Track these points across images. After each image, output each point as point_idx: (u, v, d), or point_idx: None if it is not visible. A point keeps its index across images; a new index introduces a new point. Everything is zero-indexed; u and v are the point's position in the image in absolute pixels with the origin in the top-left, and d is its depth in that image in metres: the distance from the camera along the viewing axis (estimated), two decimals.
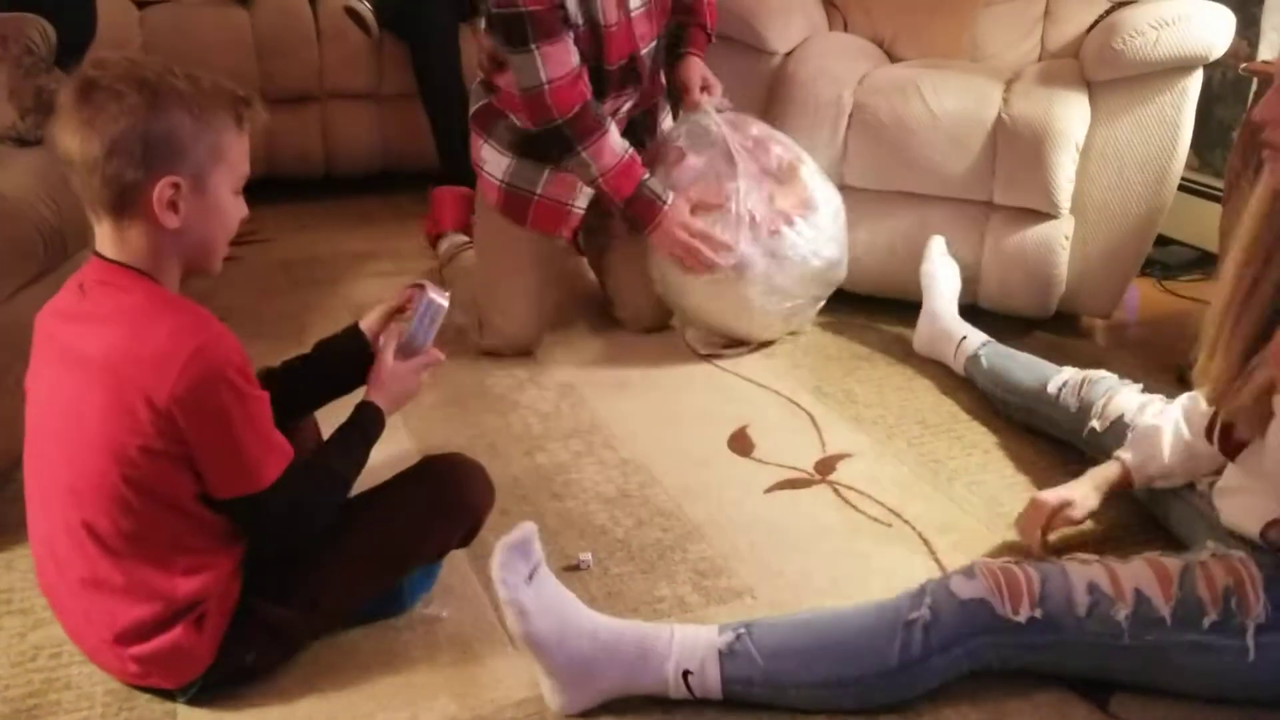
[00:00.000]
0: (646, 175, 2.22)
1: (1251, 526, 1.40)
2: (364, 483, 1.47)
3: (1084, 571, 1.36)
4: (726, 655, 1.33)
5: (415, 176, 3.29)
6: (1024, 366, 2.05)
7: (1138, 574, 1.35)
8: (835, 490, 1.87)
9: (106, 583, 1.28)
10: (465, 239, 2.60)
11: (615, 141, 2.20)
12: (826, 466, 1.94)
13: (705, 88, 2.38)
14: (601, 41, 2.19)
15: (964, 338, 2.19)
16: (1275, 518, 1.36)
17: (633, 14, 2.23)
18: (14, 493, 1.79)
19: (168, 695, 1.36)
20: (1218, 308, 1.39)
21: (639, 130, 2.42)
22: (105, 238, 1.27)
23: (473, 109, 2.38)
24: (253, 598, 1.35)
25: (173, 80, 1.22)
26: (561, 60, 2.11)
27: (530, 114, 2.18)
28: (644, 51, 2.29)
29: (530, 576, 1.31)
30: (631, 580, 1.62)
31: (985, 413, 2.12)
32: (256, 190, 3.31)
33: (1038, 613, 1.33)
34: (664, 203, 2.21)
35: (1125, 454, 1.66)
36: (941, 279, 2.30)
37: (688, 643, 1.34)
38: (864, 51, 2.68)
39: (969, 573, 1.37)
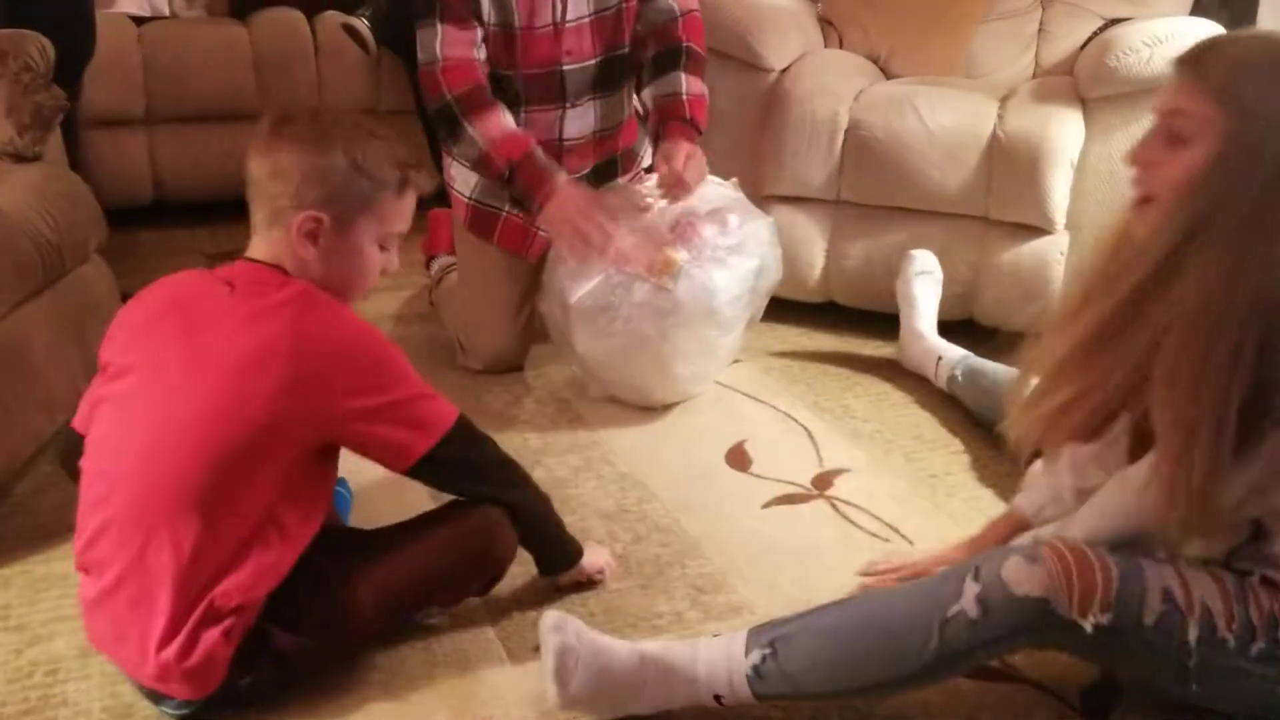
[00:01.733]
0: (538, 151, 2.11)
1: (1216, 552, 1.33)
2: (384, 514, 1.49)
3: (1159, 573, 1.23)
4: (755, 679, 1.28)
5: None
6: (996, 375, 2.05)
7: (1205, 587, 1.25)
8: (833, 505, 1.87)
9: (188, 582, 1.28)
10: (451, 260, 2.61)
11: (506, 120, 2.12)
12: (824, 481, 1.94)
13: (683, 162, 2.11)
14: (515, 44, 2.15)
15: (940, 358, 2.21)
16: (1235, 544, 1.31)
17: (565, 25, 2.17)
18: (9, 509, 1.80)
19: (167, 707, 1.35)
20: (1059, 355, 1.34)
21: (606, 175, 2.34)
22: (257, 248, 1.37)
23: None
24: (265, 622, 1.34)
25: (349, 130, 1.35)
26: (460, 44, 2.09)
27: (426, 91, 2.15)
28: (569, 67, 2.20)
29: (575, 669, 1.29)
30: (630, 596, 1.61)
31: (980, 429, 2.12)
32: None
33: (1105, 619, 1.18)
34: (554, 174, 2.09)
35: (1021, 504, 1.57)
36: (920, 295, 2.31)
37: (714, 667, 1.30)
38: (860, 68, 2.70)
39: (1032, 556, 1.20)
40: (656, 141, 2.21)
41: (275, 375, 1.27)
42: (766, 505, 1.87)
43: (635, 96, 2.38)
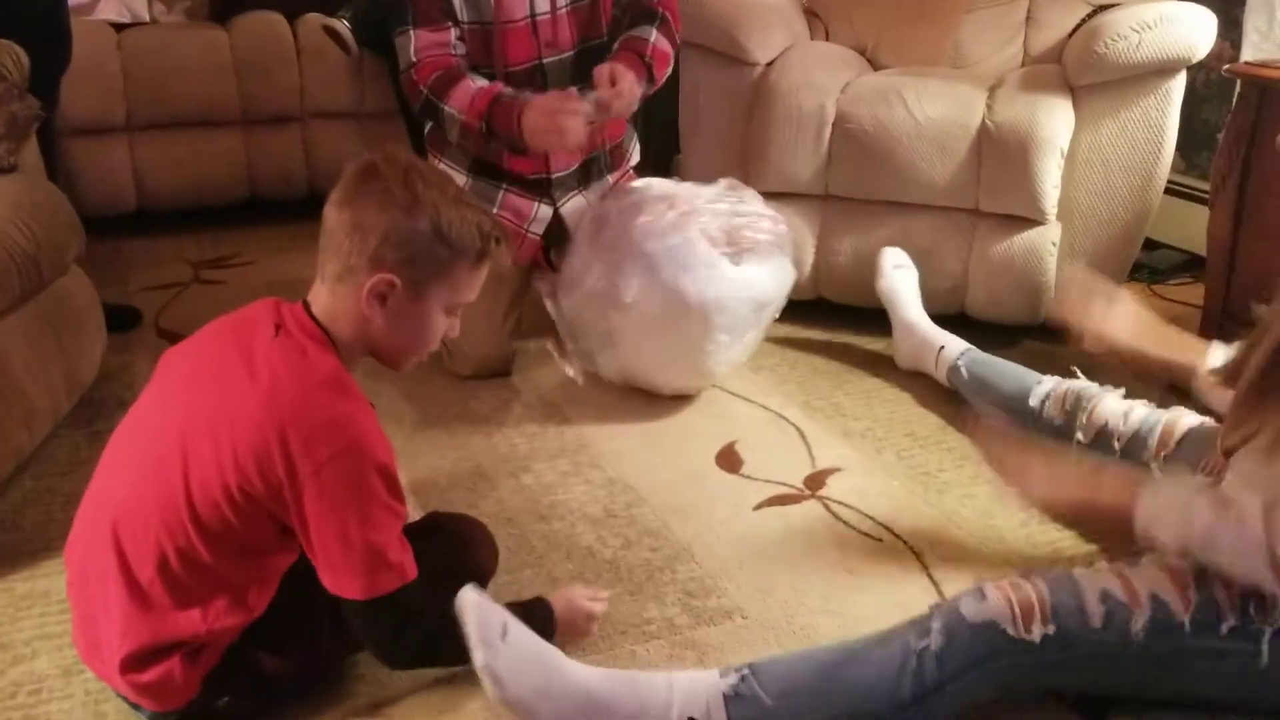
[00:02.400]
0: (504, 90, 2.10)
1: None
2: None
3: (1095, 580, 1.32)
4: (732, 699, 1.27)
5: None
6: (1004, 376, 2.01)
7: (1152, 578, 1.31)
8: (825, 505, 1.85)
9: (138, 607, 1.27)
10: None
11: (475, 80, 2.12)
12: (816, 482, 1.92)
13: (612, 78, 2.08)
14: (492, 40, 2.15)
15: (942, 347, 2.17)
16: None
17: (538, 17, 2.16)
18: None
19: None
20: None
21: (594, 172, 2.35)
22: (319, 296, 1.33)
23: (426, 129, 2.36)
24: (246, 643, 1.32)
25: (438, 195, 1.30)
26: (434, 45, 2.12)
27: (409, 96, 2.19)
28: (549, 60, 2.19)
29: (504, 633, 1.25)
30: (619, 602, 1.59)
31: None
32: (236, 213, 3.28)
33: (1050, 629, 1.28)
34: (520, 99, 2.06)
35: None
36: (901, 288, 2.28)
37: (689, 689, 1.28)
38: (846, 60, 2.67)
39: (979, 594, 1.32)
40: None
41: (256, 433, 1.23)
42: (758, 507, 1.85)
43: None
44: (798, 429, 2.10)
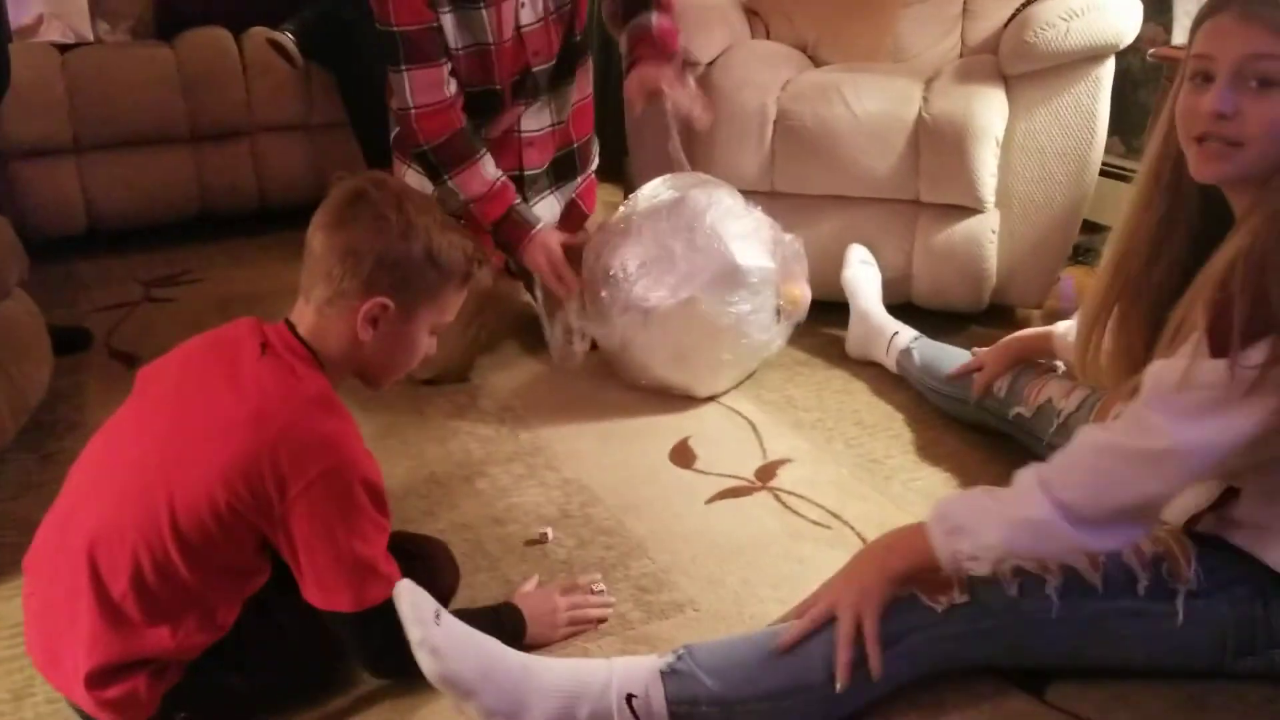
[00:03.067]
0: (517, 201, 2.20)
1: (1176, 516, 1.41)
2: None
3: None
4: (669, 675, 1.30)
5: None
6: (954, 359, 2.07)
7: None
8: (776, 496, 1.88)
9: (108, 623, 1.27)
10: None
11: (486, 170, 2.17)
12: (767, 473, 1.95)
13: (651, 91, 2.15)
14: (491, 61, 2.18)
15: (895, 334, 2.23)
16: (1196, 511, 1.38)
17: (524, 30, 2.19)
18: None
19: None
20: (1096, 302, 1.41)
21: (564, 170, 2.41)
22: (304, 316, 1.35)
23: (392, 135, 2.38)
24: (209, 660, 1.33)
25: (429, 221, 1.34)
26: (430, 87, 2.11)
27: (404, 134, 2.20)
28: (538, 68, 2.25)
29: (437, 617, 1.26)
30: None
31: (921, 410, 2.14)
32: (187, 229, 3.27)
33: (964, 598, 1.32)
34: (532, 227, 2.19)
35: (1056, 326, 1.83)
36: (863, 280, 2.33)
37: (628, 669, 1.31)
38: (787, 58, 2.71)
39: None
40: (630, 70, 2.21)
41: (244, 448, 1.24)
42: (710, 500, 1.88)
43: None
44: (750, 422, 2.14)
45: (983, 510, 1.31)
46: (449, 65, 2.14)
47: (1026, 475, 1.29)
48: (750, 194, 2.50)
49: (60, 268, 3.06)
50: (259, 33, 3.27)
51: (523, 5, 2.18)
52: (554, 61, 2.28)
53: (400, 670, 1.34)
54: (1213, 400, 1.19)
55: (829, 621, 1.32)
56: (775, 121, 2.45)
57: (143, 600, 1.27)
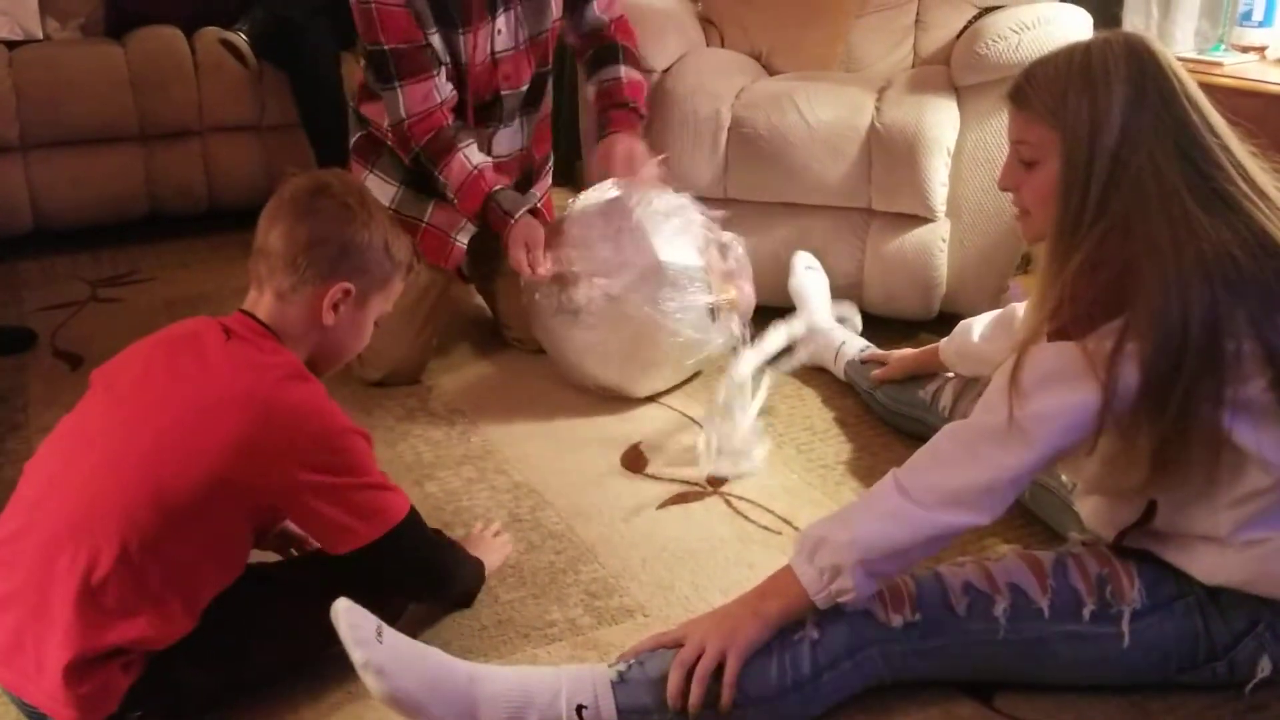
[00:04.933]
0: (498, 188, 2.18)
1: (1105, 531, 1.43)
2: None
3: (958, 574, 1.38)
4: (619, 685, 1.30)
5: None
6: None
7: (1011, 569, 1.38)
8: (727, 501, 1.88)
9: (84, 609, 1.25)
10: None
11: (468, 158, 2.18)
12: (718, 479, 1.95)
13: (625, 160, 2.22)
14: (465, 78, 2.22)
15: (842, 343, 2.24)
16: (1126, 525, 1.39)
17: (499, 56, 2.23)
18: None
19: None
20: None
21: (522, 188, 2.41)
22: (261, 305, 1.40)
23: (352, 140, 2.37)
24: (164, 655, 1.31)
25: (381, 211, 1.45)
26: (422, 97, 2.14)
27: (399, 148, 2.22)
28: (507, 93, 2.29)
29: (379, 634, 1.24)
30: (522, 606, 1.61)
31: (871, 416, 2.16)
32: (136, 229, 3.23)
33: (916, 617, 1.34)
34: (513, 212, 2.16)
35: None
36: (810, 288, 2.34)
37: (577, 677, 1.31)
38: (741, 66, 2.72)
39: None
40: (600, 130, 2.30)
41: (240, 426, 1.28)
42: (662, 506, 1.88)
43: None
44: (701, 427, 2.14)
45: (843, 516, 1.36)
46: (441, 72, 2.16)
47: (888, 473, 1.35)
48: (703, 200, 2.52)
49: (5, 267, 3.01)
50: (211, 33, 3.24)
51: (499, 32, 2.20)
52: (524, 88, 2.31)
53: (449, 575, 1.53)
54: (1050, 375, 1.25)
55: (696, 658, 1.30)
56: (729, 129, 2.46)
57: (125, 585, 1.26)
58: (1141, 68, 1.27)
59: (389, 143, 2.27)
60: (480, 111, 2.29)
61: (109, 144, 3.14)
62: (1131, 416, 1.24)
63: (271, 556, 1.57)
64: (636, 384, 2.22)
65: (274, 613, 1.39)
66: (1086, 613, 1.34)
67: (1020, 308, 1.71)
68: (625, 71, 2.32)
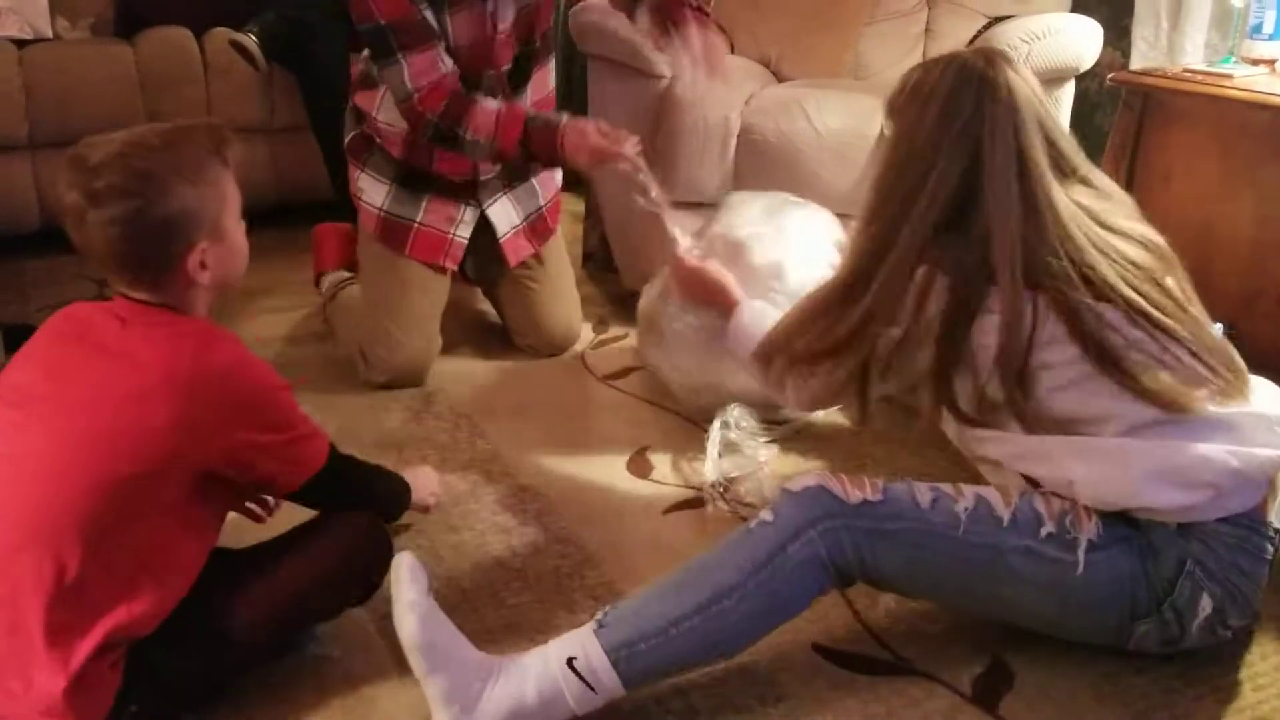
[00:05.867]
0: (530, 113, 2.16)
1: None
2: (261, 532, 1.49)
3: (926, 484, 1.43)
4: (599, 629, 1.34)
5: (311, 208, 3.24)
6: None
7: (980, 488, 1.43)
8: (732, 507, 1.88)
9: (64, 608, 1.25)
10: (347, 275, 2.57)
11: (487, 104, 2.15)
12: (723, 484, 1.95)
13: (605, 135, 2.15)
14: (455, 57, 2.17)
15: None
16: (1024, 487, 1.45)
17: (497, 36, 2.20)
18: None
19: None
20: None
21: (516, 172, 2.39)
22: (136, 288, 1.34)
23: (346, 138, 2.37)
24: (143, 643, 1.31)
25: (162, 156, 1.30)
26: (427, 69, 2.10)
27: (411, 124, 2.18)
28: (489, 74, 2.24)
29: (428, 590, 1.33)
30: (529, 610, 1.61)
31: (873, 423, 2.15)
32: None
33: (878, 497, 1.38)
34: (559, 123, 2.13)
35: None
36: None
37: (564, 638, 1.36)
38: (750, 73, 2.72)
39: (804, 475, 1.45)
40: (661, 18, 2.15)
41: (175, 406, 1.27)
42: (667, 511, 1.88)
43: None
44: (708, 433, 2.13)
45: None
46: (443, 43, 2.13)
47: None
48: (712, 207, 2.53)
49: (10, 265, 3.01)
50: (221, 33, 3.24)
51: (493, 12, 2.16)
52: (506, 70, 2.27)
53: (372, 493, 1.59)
54: None
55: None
56: (738, 135, 2.46)
57: (99, 578, 1.26)
58: (961, 88, 1.40)
59: (381, 138, 2.26)
60: (485, 87, 2.24)
61: None
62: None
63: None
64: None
65: (240, 593, 1.39)
66: (1044, 532, 1.37)
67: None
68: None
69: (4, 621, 1.26)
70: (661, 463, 2.03)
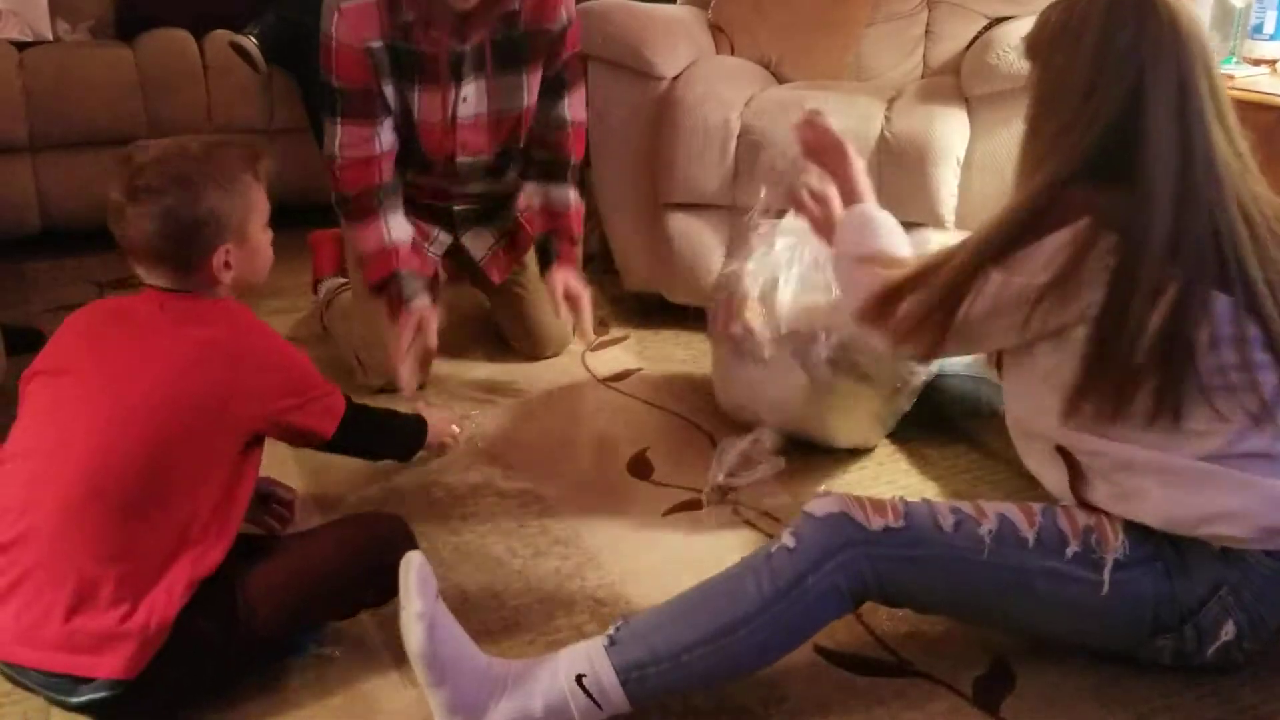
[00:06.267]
0: (404, 271, 2.18)
1: (1060, 493, 1.45)
2: None
3: (947, 502, 1.41)
4: (611, 647, 1.32)
5: (310, 210, 3.24)
6: None
7: (1001, 507, 1.40)
8: (735, 509, 1.88)
9: (119, 525, 1.33)
10: (343, 281, 2.57)
11: (389, 231, 2.16)
12: (725, 486, 1.95)
13: (570, 299, 2.31)
14: (415, 132, 2.19)
15: None
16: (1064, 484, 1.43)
17: (460, 121, 2.19)
18: None
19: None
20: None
21: (498, 209, 2.40)
22: (165, 280, 1.46)
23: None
24: (187, 611, 1.34)
25: (199, 164, 1.44)
26: (358, 142, 2.12)
27: (328, 180, 2.19)
28: (463, 160, 2.25)
29: (437, 597, 1.31)
30: (529, 612, 1.61)
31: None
32: None
33: (901, 523, 1.35)
34: (407, 301, 2.18)
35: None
36: None
37: (572, 651, 1.34)
38: (751, 74, 2.72)
39: (823, 494, 1.40)
40: (543, 252, 2.37)
41: (219, 372, 1.41)
42: (668, 513, 1.88)
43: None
44: (709, 434, 2.14)
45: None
46: (386, 121, 2.13)
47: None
48: (711, 209, 2.53)
49: (12, 268, 3.01)
50: (221, 36, 3.24)
51: (464, 99, 2.17)
52: (485, 159, 2.29)
53: (393, 434, 1.85)
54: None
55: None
56: (738, 137, 2.46)
57: (157, 486, 1.34)
58: (1117, 6, 1.31)
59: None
60: (436, 172, 2.29)
61: (118, 145, 3.11)
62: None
63: None
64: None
65: (258, 578, 1.42)
66: (1070, 552, 1.35)
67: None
68: (574, 197, 2.36)
69: (46, 576, 1.30)
70: (661, 464, 2.03)
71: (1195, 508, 1.33)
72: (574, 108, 2.32)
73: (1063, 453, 1.41)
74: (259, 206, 1.51)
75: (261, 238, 1.53)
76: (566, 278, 2.32)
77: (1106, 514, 1.38)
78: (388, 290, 2.19)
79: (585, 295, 2.32)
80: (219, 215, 1.44)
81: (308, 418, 1.55)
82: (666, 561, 1.72)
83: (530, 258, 2.45)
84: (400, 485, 1.94)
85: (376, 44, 2.05)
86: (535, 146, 2.33)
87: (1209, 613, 1.35)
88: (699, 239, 2.54)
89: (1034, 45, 1.41)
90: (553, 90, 2.28)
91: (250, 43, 3.18)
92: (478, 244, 2.39)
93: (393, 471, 1.99)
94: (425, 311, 2.19)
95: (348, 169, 2.14)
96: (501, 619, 1.59)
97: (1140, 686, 1.43)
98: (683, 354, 2.50)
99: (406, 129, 2.19)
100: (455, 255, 2.40)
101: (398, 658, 1.46)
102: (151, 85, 3.13)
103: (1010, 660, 1.48)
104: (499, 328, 2.55)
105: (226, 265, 1.46)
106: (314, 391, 1.56)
